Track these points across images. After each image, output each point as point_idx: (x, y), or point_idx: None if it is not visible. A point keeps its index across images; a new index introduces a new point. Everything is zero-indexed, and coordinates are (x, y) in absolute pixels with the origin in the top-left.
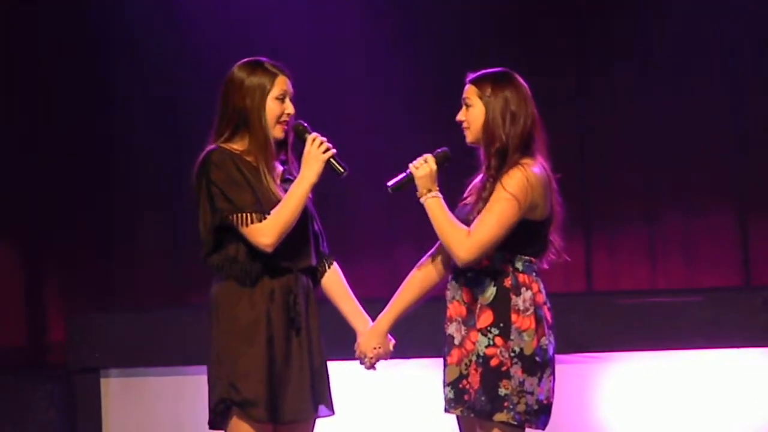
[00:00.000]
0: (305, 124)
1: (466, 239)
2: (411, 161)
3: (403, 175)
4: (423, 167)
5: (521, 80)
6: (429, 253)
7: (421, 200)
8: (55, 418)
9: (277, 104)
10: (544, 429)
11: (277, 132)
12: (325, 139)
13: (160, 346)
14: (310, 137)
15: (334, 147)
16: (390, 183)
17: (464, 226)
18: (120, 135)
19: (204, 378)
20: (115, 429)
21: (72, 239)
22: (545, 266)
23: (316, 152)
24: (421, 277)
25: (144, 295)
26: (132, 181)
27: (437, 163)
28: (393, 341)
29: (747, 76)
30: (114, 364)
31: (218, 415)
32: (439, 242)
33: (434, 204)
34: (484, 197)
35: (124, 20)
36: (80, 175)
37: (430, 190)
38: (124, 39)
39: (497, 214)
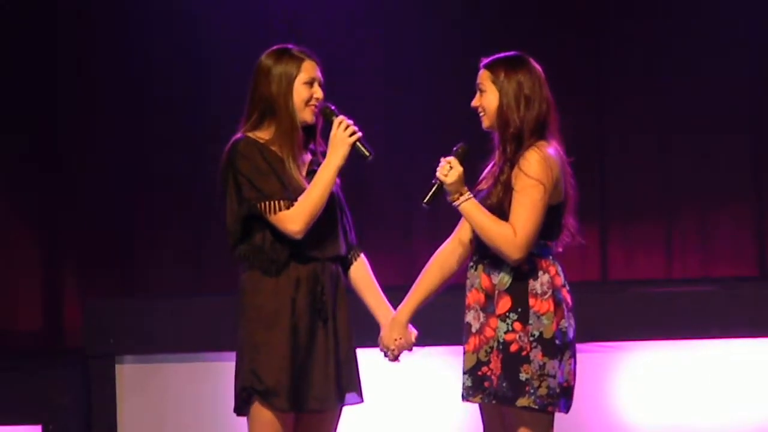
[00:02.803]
0: (333, 107)
1: (514, 238)
2: (426, 151)
3: (433, 185)
4: (451, 173)
5: (535, 63)
6: (447, 240)
7: (455, 205)
8: (70, 404)
9: (305, 88)
10: (566, 412)
11: (306, 115)
12: (351, 122)
13: (175, 333)
14: (336, 120)
15: (360, 130)
16: (424, 199)
17: (505, 223)
18: (140, 117)
19: (219, 365)
20: (129, 415)
21: (90, 224)
22: (559, 249)
23: (343, 135)
24: (440, 265)
25: (161, 282)
26: (151, 164)
27: (461, 163)
28: (415, 332)
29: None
30: (129, 350)
31: (242, 402)
32: (456, 229)
33: (470, 207)
34: (502, 181)
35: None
36: (98, 157)
37: (461, 194)
38: (157, 30)
39: (529, 205)
